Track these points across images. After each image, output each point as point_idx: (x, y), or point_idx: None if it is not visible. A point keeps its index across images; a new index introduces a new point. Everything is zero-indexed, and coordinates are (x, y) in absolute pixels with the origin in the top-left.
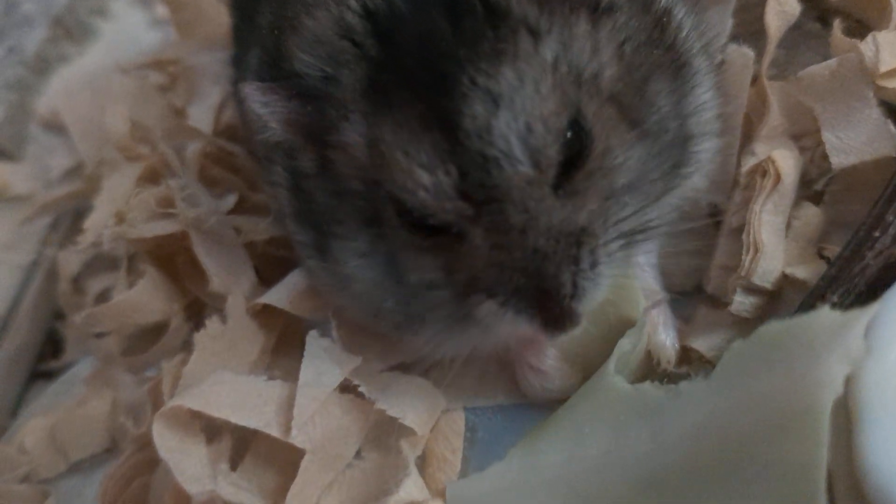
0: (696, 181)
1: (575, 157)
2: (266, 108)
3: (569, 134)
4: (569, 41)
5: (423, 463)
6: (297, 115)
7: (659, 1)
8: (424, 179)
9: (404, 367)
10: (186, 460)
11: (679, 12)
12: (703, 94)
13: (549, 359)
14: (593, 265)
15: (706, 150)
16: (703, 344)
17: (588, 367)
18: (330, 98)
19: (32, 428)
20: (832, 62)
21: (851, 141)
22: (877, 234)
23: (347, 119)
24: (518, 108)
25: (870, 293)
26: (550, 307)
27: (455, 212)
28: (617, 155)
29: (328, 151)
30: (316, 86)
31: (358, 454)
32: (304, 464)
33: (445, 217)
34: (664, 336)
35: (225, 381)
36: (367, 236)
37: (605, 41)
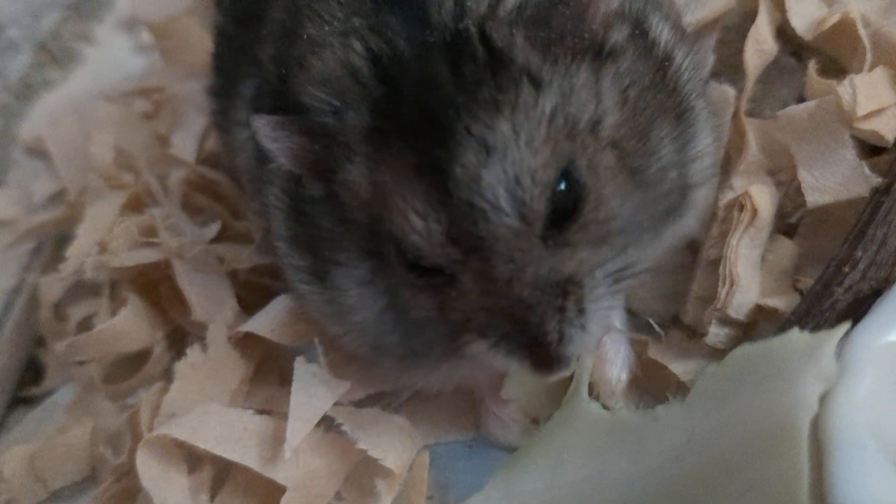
0: (689, 224)
1: (568, 209)
2: (275, 142)
3: (561, 186)
4: (569, 91)
5: None
6: (305, 151)
7: (660, 45)
8: (417, 225)
9: (381, 397)
10: (168, 490)
11: (679, 55)
12: (704, 140)
13: (510, 409)
14: (580, 313)
15: (702, 197)
16: (679, 369)
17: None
18: (336, 137)
19: (12, 456)
20: (810, 104)
21: (827, 181)
22: (846, 269)
23: (351, 160)
24: (508, 160)
25: None
26: (539, 352)
27: (445, 256)
28: (613, 204)
29: (334, 185)
30: (323, 123)
31: (337, 494)
32: (284, 501)
33: (437, 260)
34: (610, 371)
35: (211, 413)
36: (370, 266)
37: (607, 88)
